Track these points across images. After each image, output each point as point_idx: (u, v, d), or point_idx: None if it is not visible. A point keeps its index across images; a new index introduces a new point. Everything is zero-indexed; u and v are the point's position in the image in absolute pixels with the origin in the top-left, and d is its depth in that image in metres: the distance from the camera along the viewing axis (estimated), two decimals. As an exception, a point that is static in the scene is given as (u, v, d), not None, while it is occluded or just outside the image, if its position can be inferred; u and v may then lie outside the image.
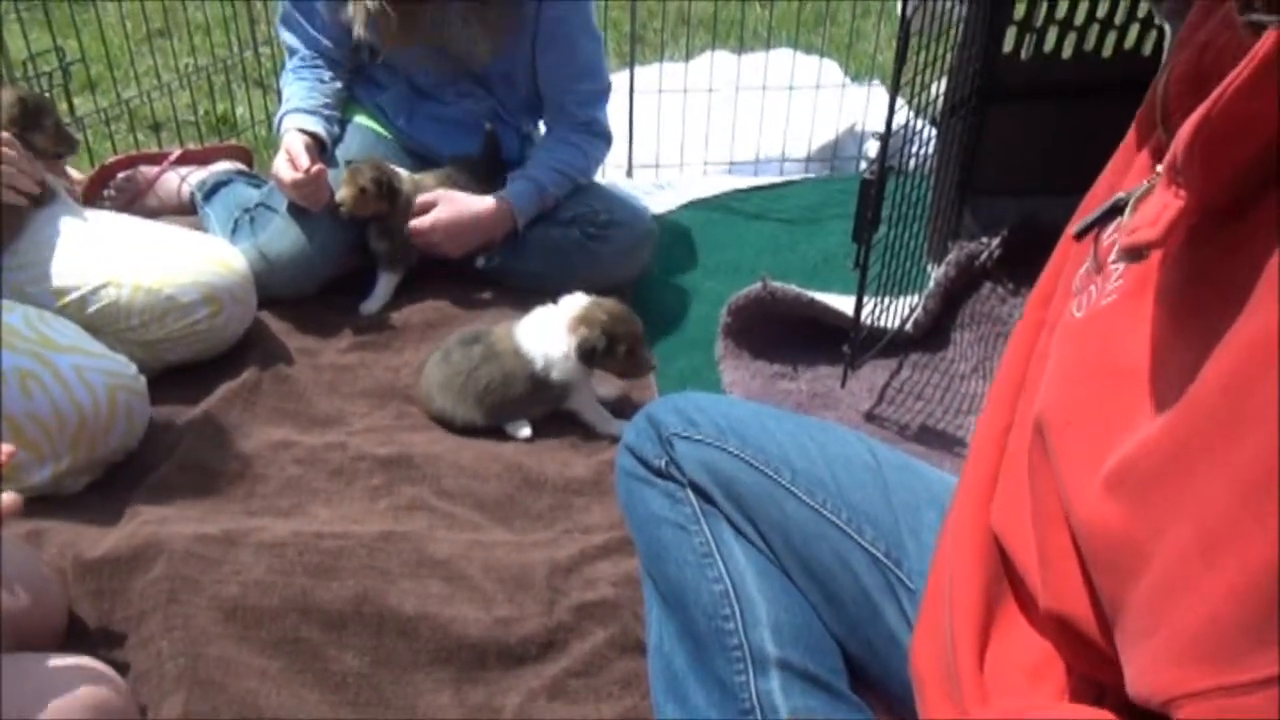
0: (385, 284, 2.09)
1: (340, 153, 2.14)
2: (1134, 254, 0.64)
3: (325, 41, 2.14)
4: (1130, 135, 0.77)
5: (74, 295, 1.75)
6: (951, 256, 2.09)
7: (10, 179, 1.69)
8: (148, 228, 1.92)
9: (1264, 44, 0.53)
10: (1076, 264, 0.78)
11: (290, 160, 1.98)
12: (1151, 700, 0.57)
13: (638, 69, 2.59)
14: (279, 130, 2.11)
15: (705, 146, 2.63)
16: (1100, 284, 0.71)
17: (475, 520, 1.58)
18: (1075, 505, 0.65)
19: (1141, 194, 0.68)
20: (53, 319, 1.62)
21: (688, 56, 2.92)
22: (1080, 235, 0.74)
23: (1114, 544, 0.61)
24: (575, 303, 1.78)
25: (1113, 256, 0.71)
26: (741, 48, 2.91)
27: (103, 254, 1.79)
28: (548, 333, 1.76)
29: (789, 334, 2.00)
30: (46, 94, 2.27)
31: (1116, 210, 0.71)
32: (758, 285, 1.96)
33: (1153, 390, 0.62)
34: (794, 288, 1.97)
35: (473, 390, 1.76)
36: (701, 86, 2.60)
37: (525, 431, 1.78)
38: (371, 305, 2.07)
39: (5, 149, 1.68)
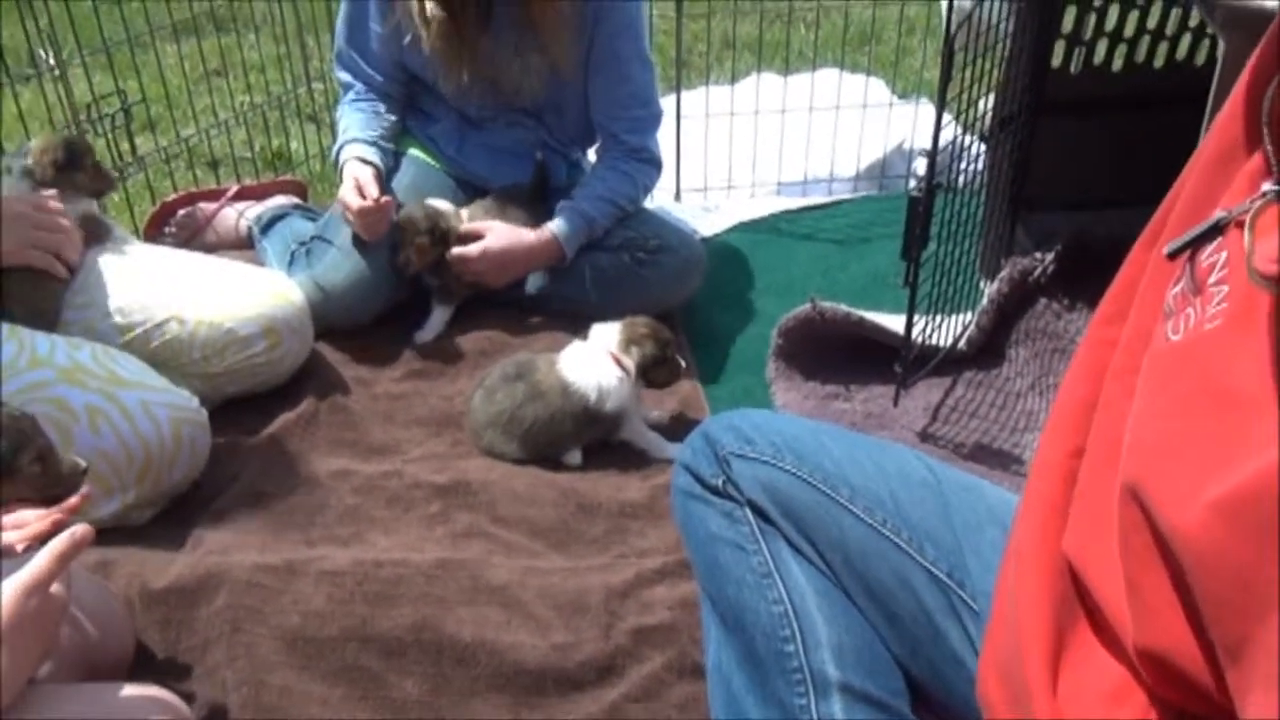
0: (439, 315, 2.11)
1: (394, 184, 2.17)
2: (1270, 281, 0.61)
3: (379, 77, 2.19)
4: (1211, 147, 0.73)
5: (138, 330, 1.79)
6: (1005, 272, 2.07)
7: (58, 245, 1.73)
8: (207, 262, 1.96)
9: None
10: (1161, 283, 0.75)
11: (358, 189, 2.01)
12: None
13: (684, 93, 2.61)
14: (337, 158, 2.15)
15: (753, 168, 2.63)
16: (1200, 307, 0.68)
17: (531, 546, 1.59)
18: (1173, 523, 0.62)
19: (1255, 213, 0.65)
20: (119, 355, 1.66)
21: (733, 79, 2.93)
22: (1174, 254, 0.71)
23: (1236, 579, 0.57)
24: (609, 331, 1.80)
25: (1215, 279, 0.67)
26: (787, 69, 2.92)
27: (165, 290, 1.83)
28: (594, 364, 1.77)
29: (840, 354, 1.98)
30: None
31: (1216, 230, 0.68)
32: (807, 306, 1.96)
33: (1258, 413, 0.59)
34: (843, 307, 1.96)
35: (518, 430, 1.77)
36: (748, 109, 2.61)
37: (577, 458, 1.79)
38: (425, 335, 2.10)
39: (58, 217, 1.74)
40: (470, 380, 1.97)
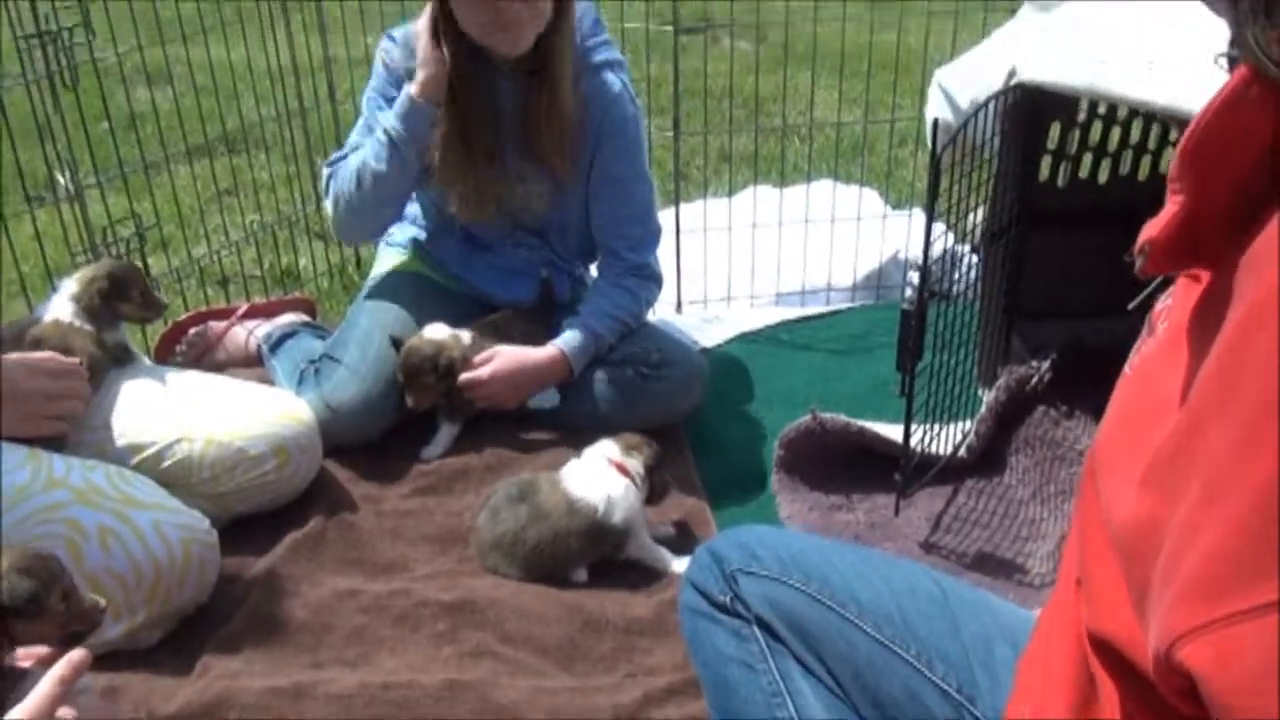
0: (446, 432, 2.14)
1: (403, 301, 2.21)
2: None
3: None
4: None
5: (149, 451, 1.82)
6: (1001, 381, 2.10)
7: (70, 411, 1.73)
8: (217, 382, 2.00)
9: (1239, 72, 0.66)
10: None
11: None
12: (1160, 653, 0.60)
13: (683, 205, 2.68)
14: (390, 125, 2.10)
15: (752, 279, 2.69)
16: (1149, 342, 0.81)
17: (538, 665, 1.59)
18: (1114, 514, 0.71)
19: None
20: (133, 476, 1.68)
21: (730, 192, 3.02)
22: (1132, 308, 0.86)
23: (1144, 533, 0.66)
24: (603, 447, 1.84)
25: (1163, 317, 0.81)
26: (783, 181, 3.00)
27: (176, 410, 1.86)
28: (599, 475, 1.79)
29: (843, 463, 2.01)
30: (125, 257, 2.40)
31: (1168, 280, 0.81)
32: (807, 417, 1.99)
33: (1180, 402, 0.69)
34: (843, 418, 1.99)
35: (522, 553, 1.77)
36: (745, 222, 2.68)
37: (582, 575, 1.79)
38: (433, 451, 2.12)
39: (74, 381, 1.74)
40: (477, 496, 1.98)
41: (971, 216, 2.07)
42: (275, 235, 2.97)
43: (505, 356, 2.11)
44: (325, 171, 2.24)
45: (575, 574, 1.79)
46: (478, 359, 2.10)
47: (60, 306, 1.87)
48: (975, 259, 2.18)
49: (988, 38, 2.26)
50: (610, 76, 2.12)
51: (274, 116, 2.87)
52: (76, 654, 1.10)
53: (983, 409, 2.09)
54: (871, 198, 2.94)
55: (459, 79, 2.05)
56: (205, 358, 2.43)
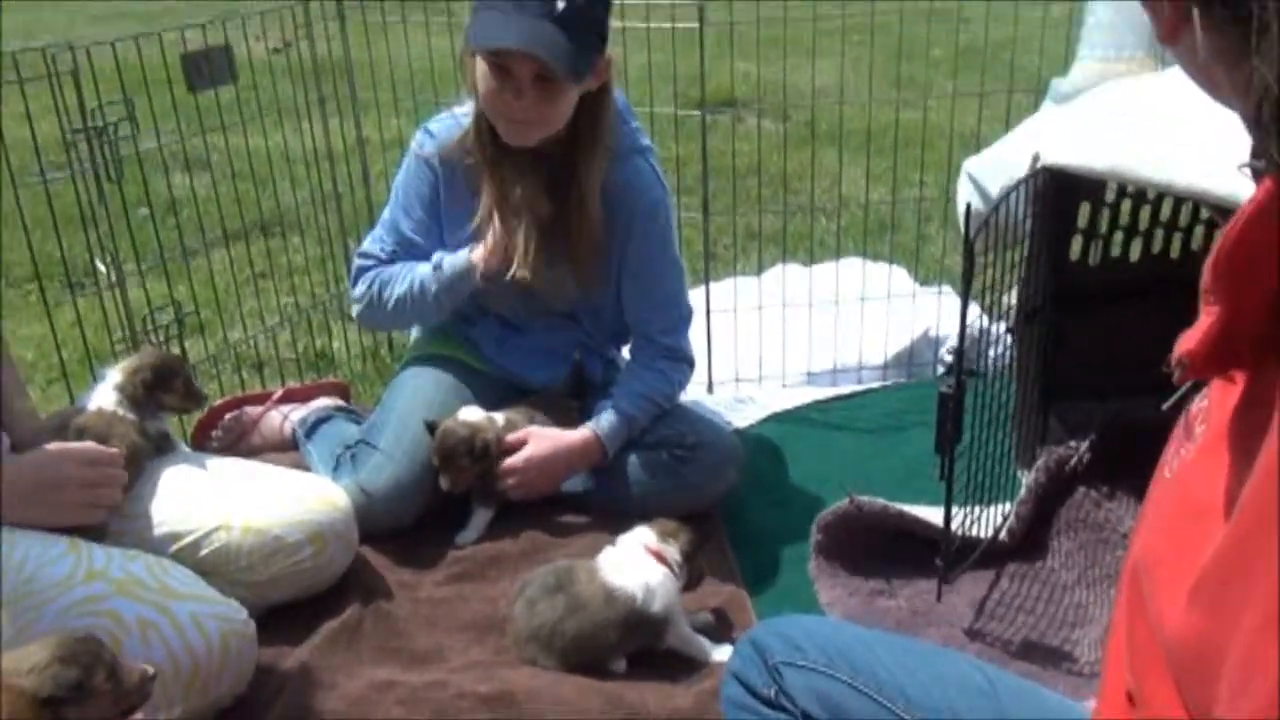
0: (480, 517, 2.13)
1: (435, 385, 2.23)
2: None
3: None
4: None
5: (187, 540, 1.82)
6: (1040, 462, 2.09)
7: (109, 500, 1.74)
8: (254, 469, 2.00)
9: (1264, 185, 0.66)
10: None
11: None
12: None
13: (712, 285, 2.70)
14: (409, 288, 2.16)
15: (783, 358, 2.69)
16: (1188, 446, 0.81)
17: (579, 759, 1.56)
18: (1165, 628, 0.72)
19: None
20: (171, 566, 1.68)
21: (760, 270, 3.04)
22: (1167, 407, 0.85)
23: (1198, 650, 0.67)
24: (639, 533, 1.82)
25: (1200, 420, 0.81)
26: (812, 259, 3.02)
27: (213, 498, 1.86)
28: (636, 563, 1.78)
29: (882, 547, 1.98)
30: (163, 345, 2.44)
31: (1202, 383, 0.80)
32: (845, 501, 1.97)
33: (1225, 515, 0.69)
34: (881, 501, 1.97)
35: (560, 645, 1.75)
36: (775, 300, 2.69)
37: (621, 665, 1.77)
38: (468, 536, 2.11)
39: (111, 469, 1.74)
40: (512, 582, 1.97)
41: (1005, 296, 2.08)
42: (310, 319, 3.01)
43: (540, 440, 2.11)
44: (356, 262, 2.28)
45: (615, 665, 1.76)
46: (511, 438, 2.11)
47: (104, 396, 1.89)
48: (1010, 338, 2.18)
49: (1013, 128, 2.29)
50: (640, 163, 2.15)
51: (307, 200, 2.93)
52: None
53: (1022, 490, 2.07)
54: (900, 275, 2.95)
55: (493, 167, 2.09)
56: (240, 443, 2.45)
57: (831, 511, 1.97)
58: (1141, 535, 0.83)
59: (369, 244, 2.27)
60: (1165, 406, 0.86)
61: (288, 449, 2.41)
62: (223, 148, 2.62)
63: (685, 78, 2.79)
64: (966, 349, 1.76)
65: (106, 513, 1.76)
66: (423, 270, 2.16)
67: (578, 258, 2.13)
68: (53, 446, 1.74)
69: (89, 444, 1.77)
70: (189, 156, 2.66)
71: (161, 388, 1.94)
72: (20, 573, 1.56)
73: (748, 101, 3.32)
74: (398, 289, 2.18)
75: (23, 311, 3.28)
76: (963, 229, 2.14)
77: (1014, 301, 2.14)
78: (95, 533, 1.76)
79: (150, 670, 1.31)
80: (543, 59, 1.90)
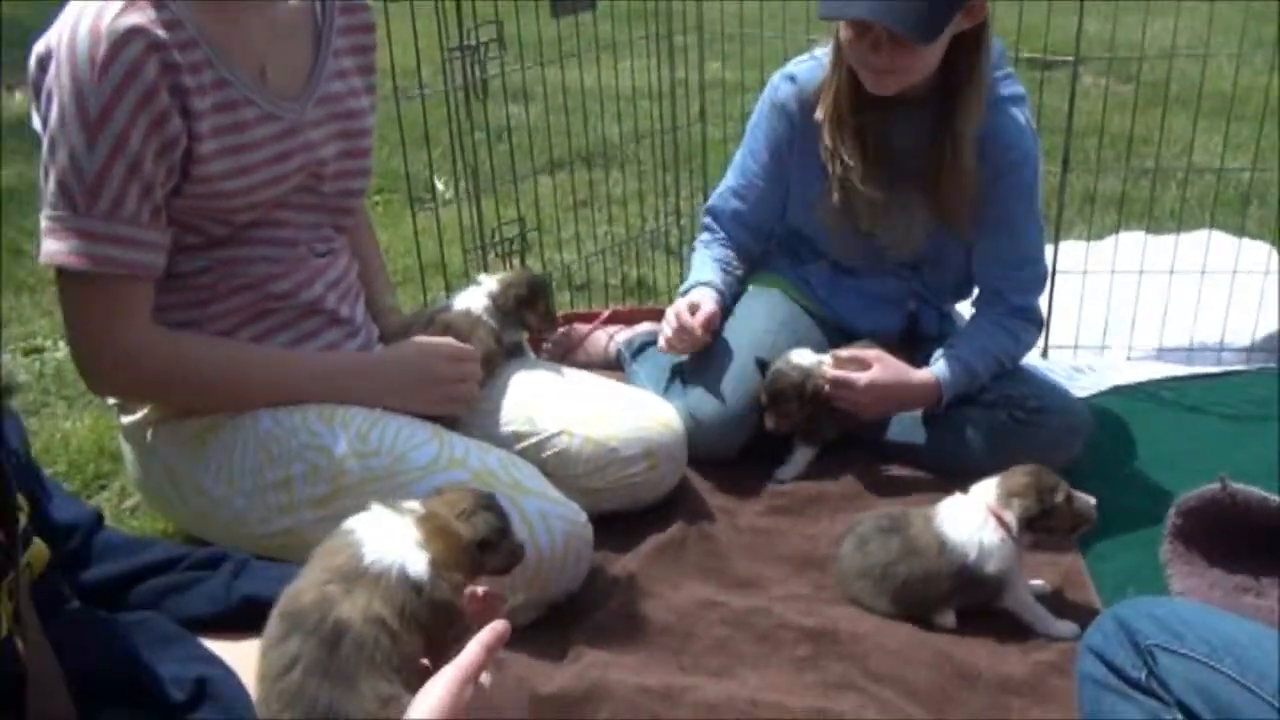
0: (802, 455, 2.11)
1: (765, 321, 2.21)
2: None
3: (745, 234, 2.29)
4: None
5: (530, 441, 1.91)
6: None
7: (468, 394, 1.85)
8: (593, 382, 2.07)
9: None
10: None
11: (691, 306, 2.11)
12: None
13: (1061, 244, 2.52)
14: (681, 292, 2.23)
15: (1131, 330, 2.49)
16: None
17: (906, 708, 1.52)
18: None
19: None
20: (520, 463, 1.77)
21: (1095, 235, 2.82)
22: None
23: None
24: (987, 485, 1.72)
25: None
26: (1155, 227, 2.77)
27: (557, 405, 1.94)
28: (974, 520, 1.70)
29: (1250, 541, 1.79)
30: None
31: None
32: (1215, 486, 1.79)
33: None
34: (1259, 491, 1.77)
35: (890, 586, 1.71)
36: (1130, 266, 2.48)
37: (950, 620, 1.71)
38: (787, 473, 2.10)
39: (468, 364, 1.85)
40: (832, 523, 1.94)
41: None
42: (629, 248, 3.08)
43: (885, 366, 2.04)
44: (704, 219, 2.34)
45: (943, 618, 1.70)
46: (855, 353, 2.07)
47: (474, 299, 2.00)
48: None
49: None
50: (1015, 111, 2.03)
51: (633, 136, 2.97)
52: (500, 624, 1.15)
53: None
54: (1261, 251, 2.65)
55: (855, 113, 2.03)
56: (568, 357, 2.54)
57: (1197, 495, 1.80)
58: None
59: (715, 197, 2.32)
60: None
61: (611, 368, 2.47)
62: (556, 80, 2.68)
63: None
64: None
65: (464, 406, 1.87)
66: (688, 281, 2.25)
67: (946, 208, 2.04)
68: (419, 338, 1.86)
69: (451, 340, 1.88)
70: (529, 84, 2.71)
71: (528, 305, 2.04)
72: (392, 453, 1.69)
73: (1097, 55, 3.05)
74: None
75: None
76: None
77: None
78: (447, 423, 1.87)
79: (520, 540, 1.35)
80: (892, 29, 1.82)
